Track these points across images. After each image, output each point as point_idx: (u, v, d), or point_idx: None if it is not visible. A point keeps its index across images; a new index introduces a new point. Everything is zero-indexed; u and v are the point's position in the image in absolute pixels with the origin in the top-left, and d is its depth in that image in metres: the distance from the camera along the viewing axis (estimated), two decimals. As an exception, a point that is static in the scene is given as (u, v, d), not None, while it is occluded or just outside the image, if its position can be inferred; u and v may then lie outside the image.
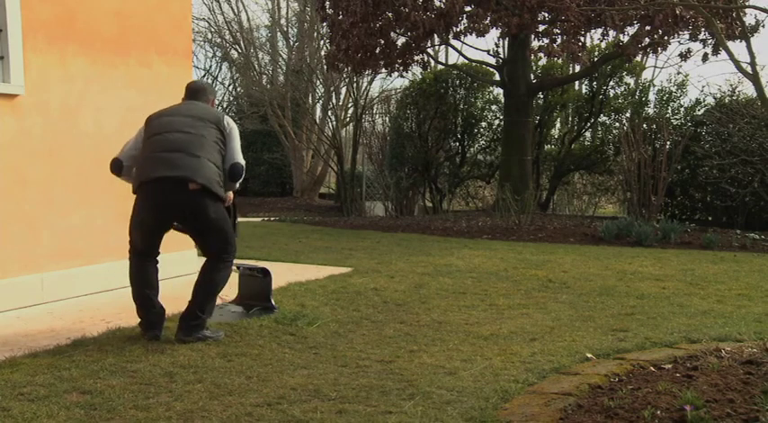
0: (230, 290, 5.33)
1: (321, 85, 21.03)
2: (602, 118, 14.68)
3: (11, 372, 3.43)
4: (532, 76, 13.52)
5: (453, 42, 12.73)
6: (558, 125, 15.94)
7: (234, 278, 5.18)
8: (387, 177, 14.20)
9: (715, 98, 12.02)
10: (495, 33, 24.30)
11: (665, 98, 12.72)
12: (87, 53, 5.44)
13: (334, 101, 21.16)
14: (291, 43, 22.79)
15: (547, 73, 14.35)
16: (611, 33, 12.06)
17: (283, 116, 20.69)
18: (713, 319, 4.84)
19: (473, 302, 5.35)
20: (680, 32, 11.11)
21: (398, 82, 34.43)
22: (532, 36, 12.31)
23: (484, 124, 15.76)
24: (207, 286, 4.14)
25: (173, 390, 3.22)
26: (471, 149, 15.92)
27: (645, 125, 11.58)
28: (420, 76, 16.03)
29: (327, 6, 12.36)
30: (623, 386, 3.27)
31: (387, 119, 18.55)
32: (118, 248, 5.73)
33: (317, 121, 21.46)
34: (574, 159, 14.78)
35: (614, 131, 14.10)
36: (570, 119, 15.84)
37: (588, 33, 12.60)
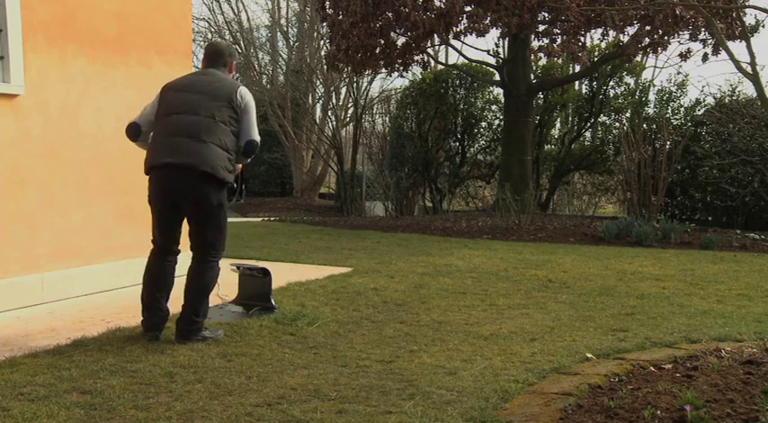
0: (230, 290, 5.33)
1: (321, 85, 21.04)
2: (602, 118, 14.69)
3: (11, 372, 3.43)
4: (532, 76, 13.52)
5: (453, 42, 12.74)
6: (558, 125, 15.95)
7: (234, 278, 5.19)
8: (387, 177, 14.20)
9: (715, 98, 12.03)
10: (495, 33, 24.37)
11: (665, 98, 12.72)
12: (87, 53, 5.44)
13: (334, 101, 21.17)
14: (291, 43, 22.80)
15: (547, 73, 14.36)
16: (611, 33, 12.07)
17: (283, 116, 20.70)
18: (713, 319, 4.84)
19: (473, 302, 5.35)
20: (680, 32, 11.11)
21: (398, 82, 34.52)
22: (532, 36, 12.31)
23: (484, 124, 15.76)
24: (198, 289, 4.11)
25: (173, 390, 3.22)
26: (471, 149, 15.93)
27: (645, 125, 11.57)
28: (420, 76, 16.04)
29: (327, 6, 12.36)
30: (623, 386, 3.27)
31: (387, 119, 18.56)
32: (118, 248, 5.75)
33: (317, 121, 21.47)
34: (574, 159, 14.79)
35: (614, 131, 14.10)
36: (570, 119, 15.84)
37: (588, 33, 12.62)
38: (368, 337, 4.26)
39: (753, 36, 12.00)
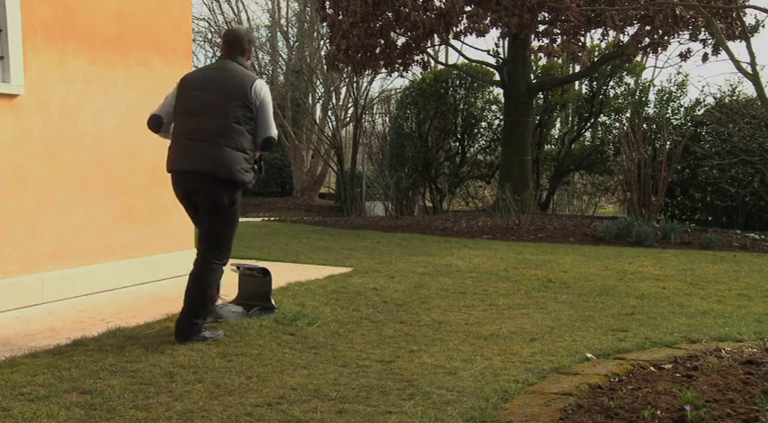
0: (230, 290, 5.33)
1: (321, 85, 21.04)
2: (602, 118, 14.69)
3: (11, 372, 3.43)
4: (532, 76, 13.52)
5: (453, 42, 12.75)
6: (558, 125, 15.96)
7: (234, 278, 5.19)
8: (387, 177, 14.19)
9: (715, 98, 12.02)
10: (495, 33, 24.39)
11: (665, 98, 12.72)
12: (87, 53, 5.44)
13: (334, 101, 21.18)
14: (291, 43, 22.81)
15: (547, 73, 14.36)
16: (611, 33, 12.07)
17: (283, 116, 20.70)
18: (713, 319, 4.84)
19: (473, 302, 5.35)
20: (680, 32, 11.11)
21: (398, 82, 34.55)
22: (532, 36, 12.31)
23: (484, 124, 15.76)
24: (199, 291, 4.12)
25: (173, 390, 3.22)
26: (471, 149, 15.93)
27: (645, 125, 11.57)
28: (420, 76, 16.04)
29: (327, 6, 12.36)
30: (623, 386, 3.27)
31: (387, 119, 18.57)
32: (118, 248, 5.75)
33: (317, 121, 21.47)
34: (574, 159, 14.79)
35: (614, 131, 14.11)
36: (570, 119, 15.85)
37: (588, 33, 12.63)
38: (368, 337, 4.26)
39: (753, 36, 12.01)
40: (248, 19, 25.07)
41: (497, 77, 13.45)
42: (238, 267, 5.15)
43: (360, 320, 4.70)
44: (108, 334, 4.20)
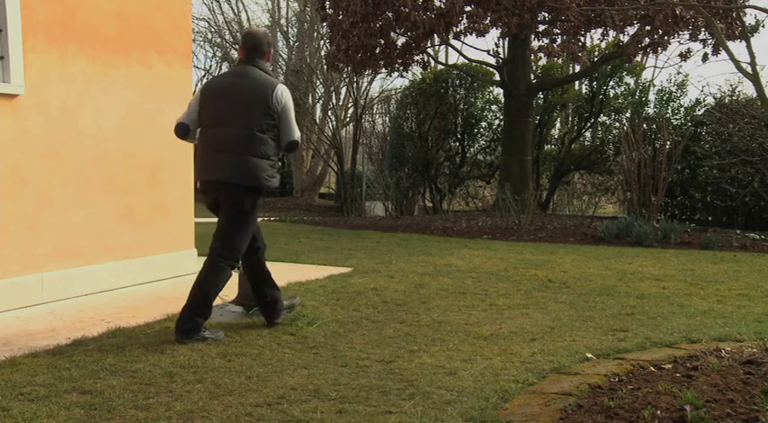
0: (230, 290, 5.33)
1: (321, 85, 21.03)
2: (602, 118, 14.70)
3: (11, 372, 3.43)
4: (532, 76, 13.52)
5: (453, 42, 12.75)
6: (558, 125, 15.96)
7: (234, 278, 5.19)
8: (387, 177, 14.19)
9: (715, 98, 12.03)
10: (495, 33, 24.38)
11: (665, 98, 12.72)
12: (87, 53, 5.43)
13: (334, 101, 21.17)
14: (291, 43, 22.82)
15: (547, 73, 14.36)
16: (611, 33, 12.07)
17: (283, 116, 20.65)
18: (713, 319, 4.84)
19: (473, 302, 5.35)
20: (680, 32, 11.12)
21: (398, 82, 34.54)
22: (532, 36, 12.32)
23: (484, 124, 15.76)
24: (201, 290, 4.14)
25: (173, 390, 3.22)
26: (471, 149, 15.93)
27: (645, 125, 11.57)
28: (420, 76, 16.04)
29: (327, 6, 12.36)
30: (623, 386, 3.27)
31: (387, 119, 18.57)
32: (118, 248, 5.75)
33: (317, 121, 21.45)
34: (574, 159, 14.79)
35: (614, 131, 14.11)
36: (570, 119, 15.85)
37: (588, 33, 12.63)
38: (368, 337, 4.26)
39: (753, 36, 12.01)
40: (248, 19, 25.07)
41: (497, 77, 13.45)
42: (238, 267, 5.15)
43: (360, 320, 4.70)
44: (108, 334, 4.20)
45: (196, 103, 4.33)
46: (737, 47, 14.49)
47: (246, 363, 3.66)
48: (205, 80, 25.30)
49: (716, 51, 11.41)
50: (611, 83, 14.26)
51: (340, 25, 11.68)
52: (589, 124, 14.89)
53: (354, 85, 18.60)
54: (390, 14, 11.33)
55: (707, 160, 10.74)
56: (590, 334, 4.39)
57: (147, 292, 5.61)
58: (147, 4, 5.93)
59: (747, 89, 11.97)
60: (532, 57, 13.01)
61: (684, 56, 11.97)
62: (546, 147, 15.42)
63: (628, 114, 13.75)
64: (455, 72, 15.00)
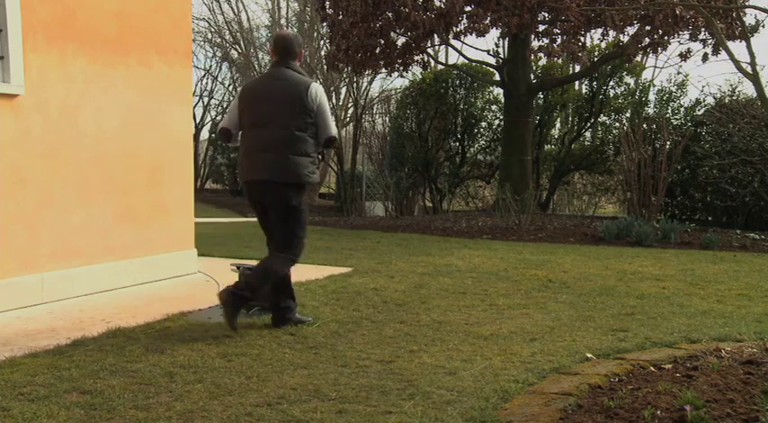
0: (230, 290, 5.32)
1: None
2: (602, 118, 14.70)
3: (11, 372, 3.43)
4: (532, 76, 13.52)
5: (453, 42, 12.75)
6: (558, 125, 15.96)
7: (234, 278, 5.19)
8: (387, 177, 14.19)
9: (715, 98, 12.02)
10: (495, 33, 24.37)
11: (665, 98, 12.72)
12: (87, 53, 5.44)
13: (334, 101, 21.17)
14: (291, 43, 22.74)
15: (547, 73, 14.36)
16: (611, 33, 12.07)
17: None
18: (713, 319, 4.84)
19: (473, 302, 5.35)
20: (680, 32, 11.12)
21: (398, 82, 34.47)
22: (532, 36, 12.32)
23: (484, 124, 15.76)
24: (260, 270, 4.37)
25: (173, 390, 3.22)
26: (471, 149, 15.93)
27: (645, 125, 11.57)
28: (420, 76, 16.04)
29: (327, 6, 12.36)
30: (623, 386, 3.27)
31: (387, 119, 18.56)
32: (118, 248, 5.75)
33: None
34: (574, 159, 14.79)
35: (614, 131, 14.10)
36: (570, 119, 15.85)
37: (588, 33, 12.63)
38: (368, 337, 4.26)
39: (753, 36, 12.01)
40: (248, 19, 25.12)
41: (497, 77, 13.45)
42: (238, 267, 5.15)
43: (360, 320, 4.70)
44: (108, 334, 4.20)
45: (236, 107, 4.52)
46: (737, 47, 14.48)
47: (246, 363, 3.66)
48: (206, 80, 25.34)
49: (716, 51, 11.41)
50: (611, 83, 14.26)
51: (340, 25, 11.68)
52: (589, 124, 14.89)
53: (354, 85, 18.61)
54: (390, 14, 11.33)
55: (707, 160, 10.74)
56: (590, 334, 4.39)
57: (147, 292, 5.61)
58: (147, 4, 5.94)
59: (747, 89, 11.98)
60: (532, 57, 13.01)
61: (684, 56, 11.97)
62: (546, 147, 15.42)
63: (628, 114, 13.75)
64: (455, 72, 15.00)
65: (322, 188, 23.41)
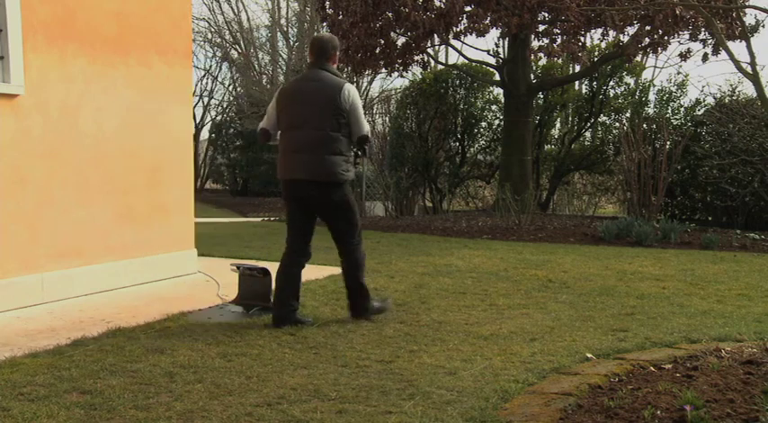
0: (230, 290, 5.34)
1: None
2: (602, 118, 14.68)
3: (11, 372, 3.43)
4: (532, 76, 13.51)
5: (453, 42, 12.74)
6: (558, 125, 15.95)
7: (234, 278, 5.19)
8: (387, 177, 14.19)
9: (715, 98, 12.02)
10: (495, 33, 24.37)
11: (665, 98, 12.72)
12: (87, 53, 5.44)
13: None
14: (291, 43, 22.80)
15: (547, 73, 14.35)
16: (611, 33, 12.07)
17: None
18: (713, 319, 4.84)
19: (473, 302, 5.35)
20: (680, 32, 11.12)
21: (398, 82, 34.43)
22: (532, 36, 12.31)
23: (484, 124, 15.75)
24: (352, 267, 4.68)
25: (173, 390, 3.22)
26: (471, 149, 15.92)
27: (645, 125, 11.57)
28: (420, 76, 16.03)
29: (327, 6, 12.36)
30: (623, 386, 3.27)
31: (387, 119, 18.55)
32: (118, 248, 5.75)
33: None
34: (574, 159, 14.79)
35: (614, 131, 14.09)
36: (570, 119, 15.84)
37: (588, 33, 12.62)
38: (368, 337, 4.27)
39: (753, 36, 12.01)
40: (248, 19, 25.13)
41: (497, 77, 13.44)
42: (238, 267, 5.16)
43: (360, 320, 4.70)
44: (108, 334, 4.20)
45: (273, 109, 4.68)
46: (737, 47, 14.46)
47: (246, 363, 3.66)
48: (206, 80, 25.34)
49: (716, 51, 11.40)
50: (611, 83, 14.25)
51: (340, 25, 11.67)
52: (589, 124, 14.88)
53: (354, 85, 18.60)
54: (390, 14, 11.33)
55: (707, 160, 10.73)
56: (590, 334, 4.39)
57: (147, 292, 5.61)
58: (147, 4, 5.94)
59: (747, 89, 11.97)
60: (532, 57, 13.00)
61: (684, 56, 11.97)
62: (546, 147, 15.41)
63: (628, 114, 13.73)
64: (455, 72, 15.00)
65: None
